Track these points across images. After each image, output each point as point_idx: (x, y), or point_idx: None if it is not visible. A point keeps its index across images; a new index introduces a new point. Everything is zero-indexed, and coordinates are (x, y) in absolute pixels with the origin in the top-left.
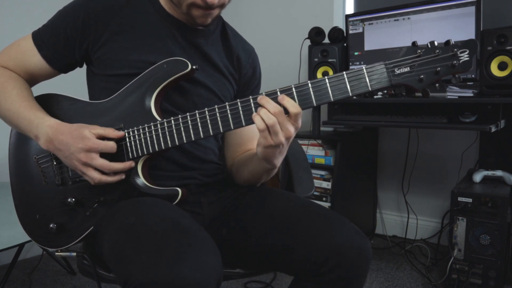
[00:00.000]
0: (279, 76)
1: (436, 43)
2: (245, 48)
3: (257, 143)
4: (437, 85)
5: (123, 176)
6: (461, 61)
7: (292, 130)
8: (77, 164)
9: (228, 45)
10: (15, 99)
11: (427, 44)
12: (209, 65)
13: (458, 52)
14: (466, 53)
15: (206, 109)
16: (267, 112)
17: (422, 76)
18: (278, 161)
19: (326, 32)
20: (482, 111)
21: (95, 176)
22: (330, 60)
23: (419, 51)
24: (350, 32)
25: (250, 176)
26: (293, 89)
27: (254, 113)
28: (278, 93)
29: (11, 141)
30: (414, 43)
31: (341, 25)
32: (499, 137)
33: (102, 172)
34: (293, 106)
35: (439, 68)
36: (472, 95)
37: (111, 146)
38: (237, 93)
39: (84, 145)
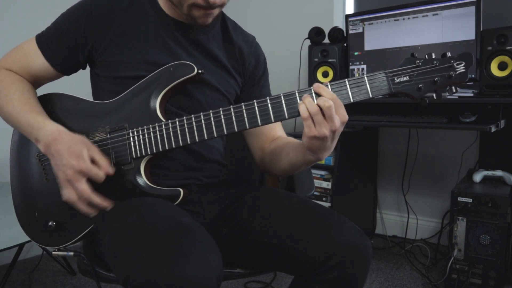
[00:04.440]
0: (279, 76)
1: (433, 55)
2: (245, 39)
3: (303, 133)
4: (434, 94)
5: (92, 214)
6: (457, 72)
7: (337, 123)
8: (61, 176)
9: (229, 38)
10: (16, 103)
11: (424, 56)
12: (212, 61)
13: (455, 64)
14: (462, 65)
15: (210, 111)
16: (311, 101)
17: (421, 85)
18: (323, 155)
19: (326, 32)
20: (482, 111)
21: (71, 196)
22: (330, 60)
23: (418, 61)
24: (350, 32)
25: (289, 166)
26: (296, 94)
27: (300, 102)
28: (282, 97)
29: (13, 139)
30: (413, 54)
31: (341, 25)
32: (499, 137)
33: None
34: (328, 93)
35: (437, 78)
36: (472, 95)
37: (100, 177)
38: (243, 85)
39: (77, 165)
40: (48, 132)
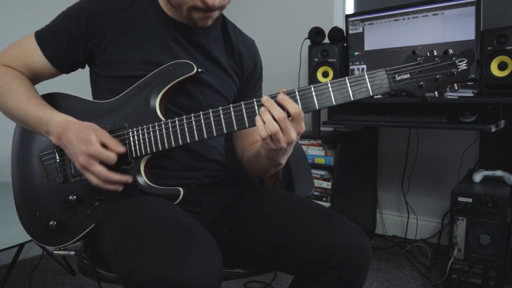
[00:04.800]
0: (279, 76)
1: (435, 52)
2: (245, 42)
3: (260, 146)
4: (436, 92)
5: (119, 188)
6: (459, 70)
7: (294, 136)
8: (77, 164)
9: (228, 40)
10: (21, 97)
11: (426, 53)
12: (211, 62)
13: (457, 61)
14: (464, 62)
15: (210, 110)
16: (270, 119)
17: (422, 83)
18: (283, 159)
19: (326, 32)
20: (482, 111)
21: (93, 179)
22: (330, 60)
23: (419, 59)
24: (350, 32)
25: (259, 170)
26: (296, 92)
27: (258, 118)
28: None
29: (15, 139)
30: (414, 52)
31: (341, 25)
32: (499, 137)
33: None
34: (293, 107)
35: (438, 76)
36: (472, 95)
37: (111, 158)
38: (240, 87)
39: (86, 149)
40: (58, 123)
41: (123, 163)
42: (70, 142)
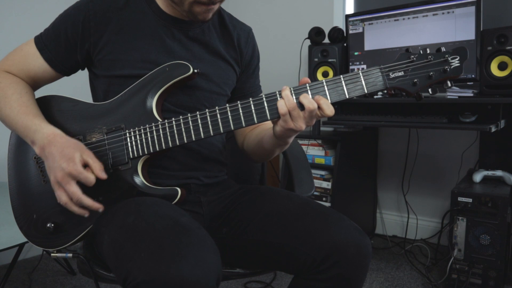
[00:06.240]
0: (279, 76)
1: (428, 50)
2: (242, 28)
3: (277, 124)
4: (429, 89)
5: (86, 214)
6: (452, 67)
7: (314, 121)
8: (52, 178)
9: (225, 28)
10: (13, 105)
11: (419, 51)
12: (210, 53)
13: (449, 58)
14: (457, 59)
15: (207, 110)
16: (288, 94)
17: (416, 80)
18: (291, 139)
19: (326, 32)
20: (482, 111)
21: (63, 198)
22: (330, 60)
23: (412, 56)
24: (350, 32)
25: (264, 152)
26: (292, 91)
27: (279, 98)
28: (277, 94)
29: (11, 142)
30: (407, 50)
31: (341, 25)
32: (499, 137)
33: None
34: (310, 102)
35: (431, 73)
36: (472, 95)
37: (91, 181)
38: (240, 75)
39: (67, 167)
40: (44, 135)
41: (119, 164)
42: (52, 155)
